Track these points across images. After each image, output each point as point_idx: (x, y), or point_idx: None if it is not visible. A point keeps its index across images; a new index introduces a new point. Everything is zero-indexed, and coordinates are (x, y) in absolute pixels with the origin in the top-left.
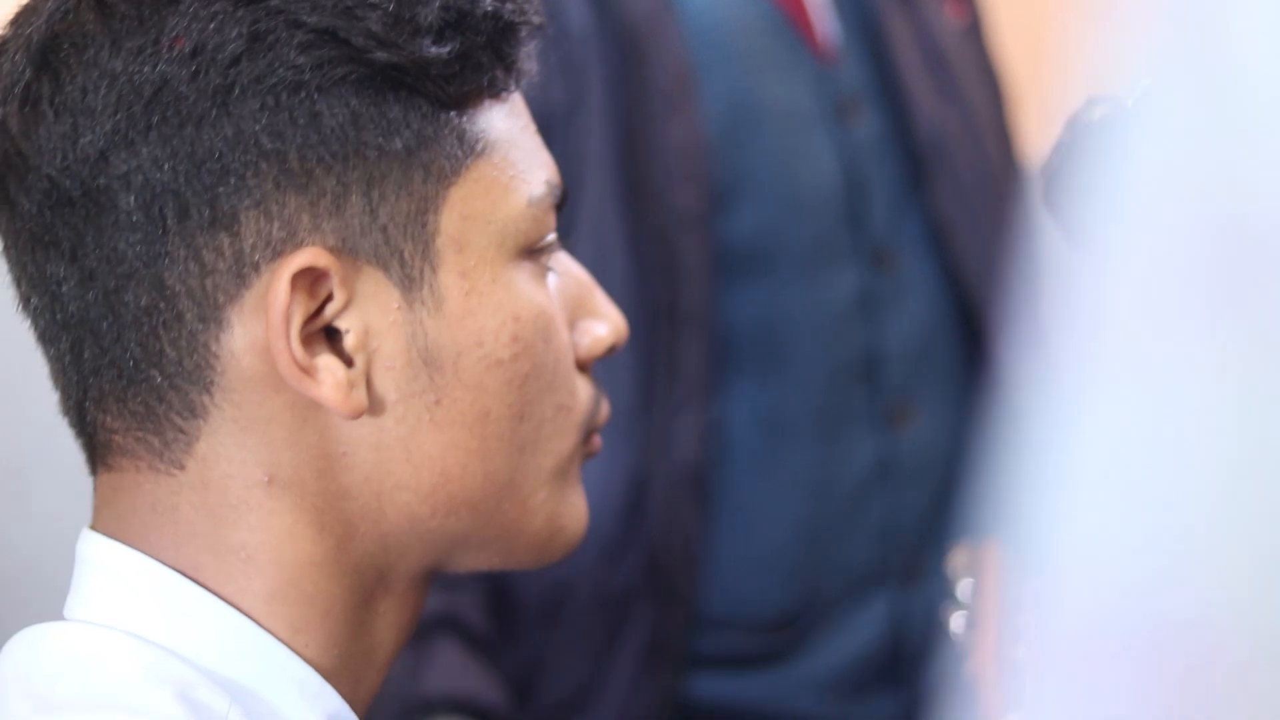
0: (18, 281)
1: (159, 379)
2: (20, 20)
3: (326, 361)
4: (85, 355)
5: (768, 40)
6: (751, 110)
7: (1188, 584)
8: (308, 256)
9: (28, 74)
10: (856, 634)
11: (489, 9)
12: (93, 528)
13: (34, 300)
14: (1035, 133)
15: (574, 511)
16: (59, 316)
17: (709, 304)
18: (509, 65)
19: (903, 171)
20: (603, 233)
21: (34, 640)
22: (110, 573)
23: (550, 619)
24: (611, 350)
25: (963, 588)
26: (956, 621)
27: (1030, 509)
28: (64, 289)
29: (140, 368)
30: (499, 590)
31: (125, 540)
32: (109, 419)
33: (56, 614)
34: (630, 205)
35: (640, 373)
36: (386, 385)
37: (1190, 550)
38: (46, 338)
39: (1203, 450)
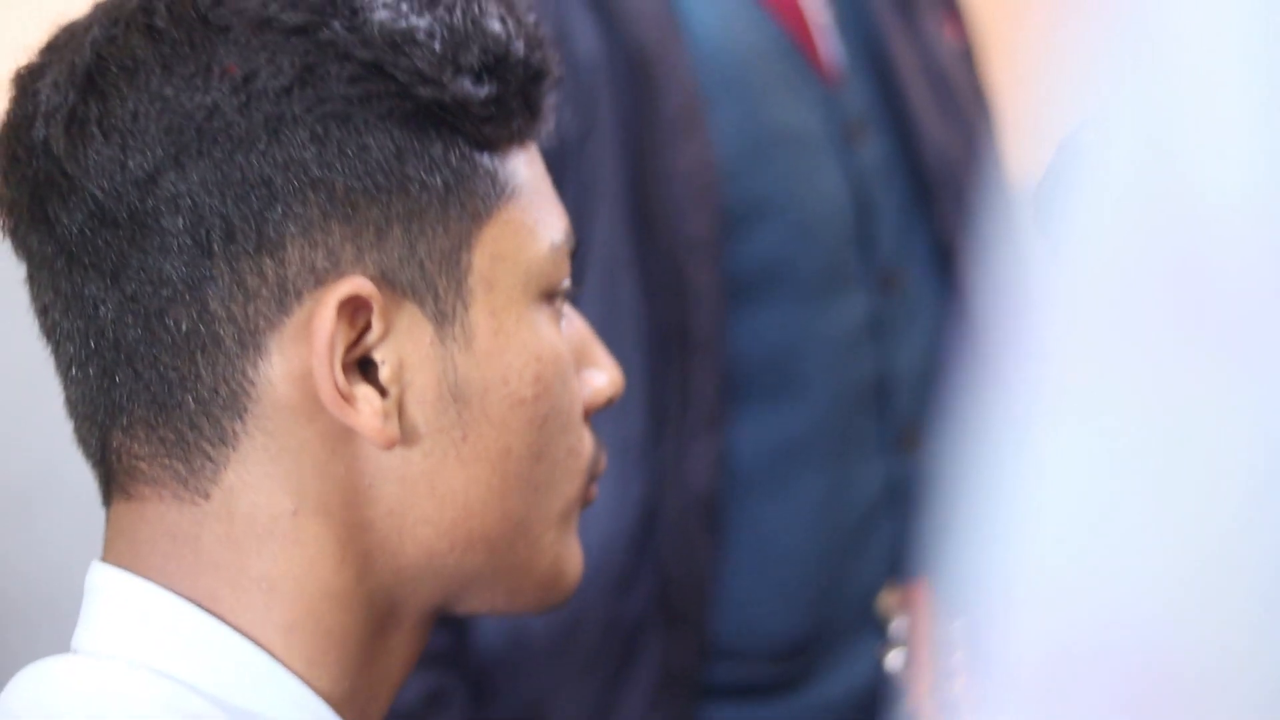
0: (46, 306)
1: (193, 405)
2: (56, 46)
3: (365, 391)
4: (118, 379)
5: (775, 64)
6: (761, 135)
7: (1145, 610)
8: (354, 286)
9: (72, 96)
10: (868, 659)
11: (521, 55)
12: (104, 559)
13: (65, 324)
14: (1020, 155)
15: (575, 556)
16: (93, 340)
17: (720, 331)
18: (535, 112)
19: (909, 193)
20: (613, 261)
21: (44, 673)
22: (122, 604)
23: (561, 649)
24: (609, 403)
25: (896, 627)
26: (893, 659)
27: (989, 539)
28: (101, 311)
29: (174, 393)
30: (505, 638)
31: (139, 571)
32: (136, 445)
33: (63, 640)
34: (641, 232)
35: (651, 401)
36: (417, 418)
37: (1147, 577)
38: (75, 362)
39: (1161, 479)
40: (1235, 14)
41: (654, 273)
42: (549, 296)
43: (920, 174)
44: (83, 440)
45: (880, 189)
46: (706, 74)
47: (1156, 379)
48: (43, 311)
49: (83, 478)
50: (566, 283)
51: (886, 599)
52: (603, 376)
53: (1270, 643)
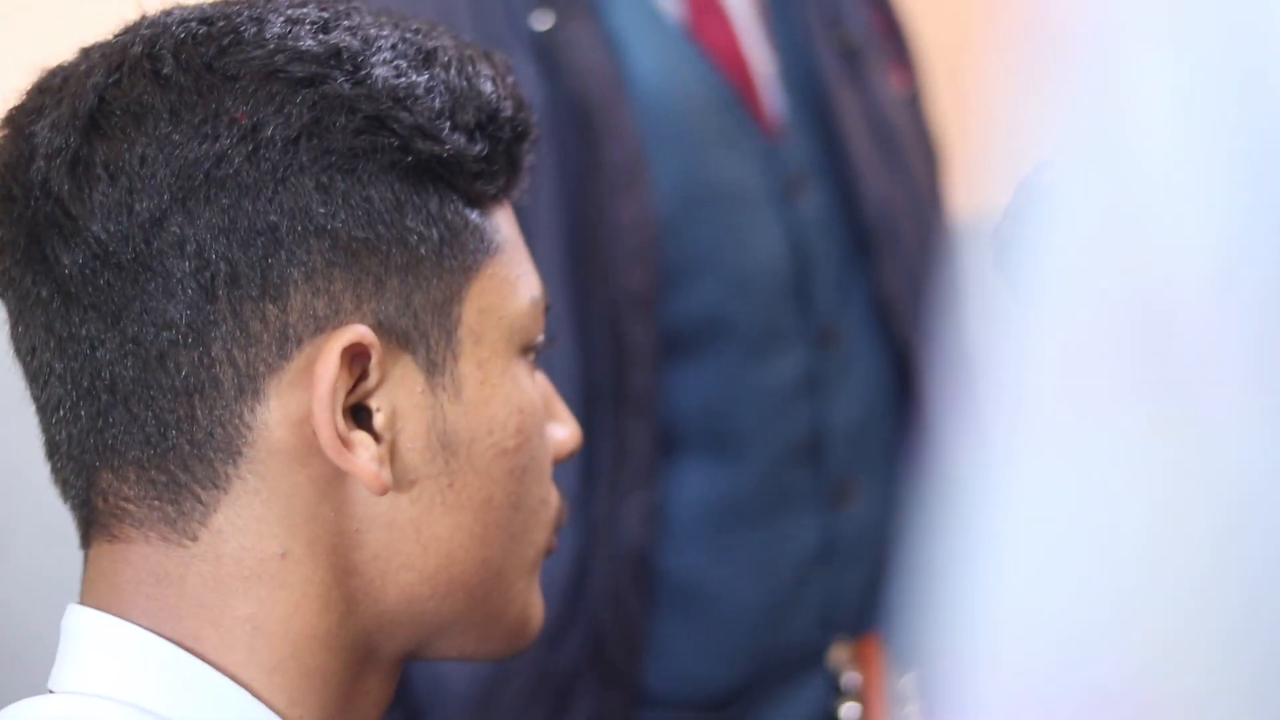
0: (35, 347)
1: (187, 448)
2: (50, 89)
3: (361, 437)
4: (112, 420)
5: (717, 118)
6: (700, 190)
7: (1120, 650)
8: (356, 333)
9: (74, 139)
10: (796, 712)
11: (509, 115)
12: (83, 602)
13: (57, 365)
14: (976, 196)
15: (539, 604)
16: (87, 381)
17: (655, 387)
18: (517, 169)
19: (848, 247)
20: (550, 315)
21: (26, 711)
22: (103, 645)
23: (492, 700)
24: (569, 456)
25: (847, 680)
26: (847, 711)
27: (961, 582)
28: (99, 353)
29: (169, 436)
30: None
31: (120, 613)
32: (126, 487)
33: (41, 670)
34: (579, 286)
35: (585, 456)
36: (407, 465)
37: (1119, 616)
38: (65, 403)
39: (1125, 520)
40: (1191, 56)
41: (590, 327)
42: (527, 350)
43: (860, 227)
44: (64, 482)
45: (819, 243)
46: (648, 127)
47: (1118, 420)
48: (30, 352)
49: (60, 508)
50: (541, 337)
51: (838, 653)
52: (564, 430)
53: (1239, 670)
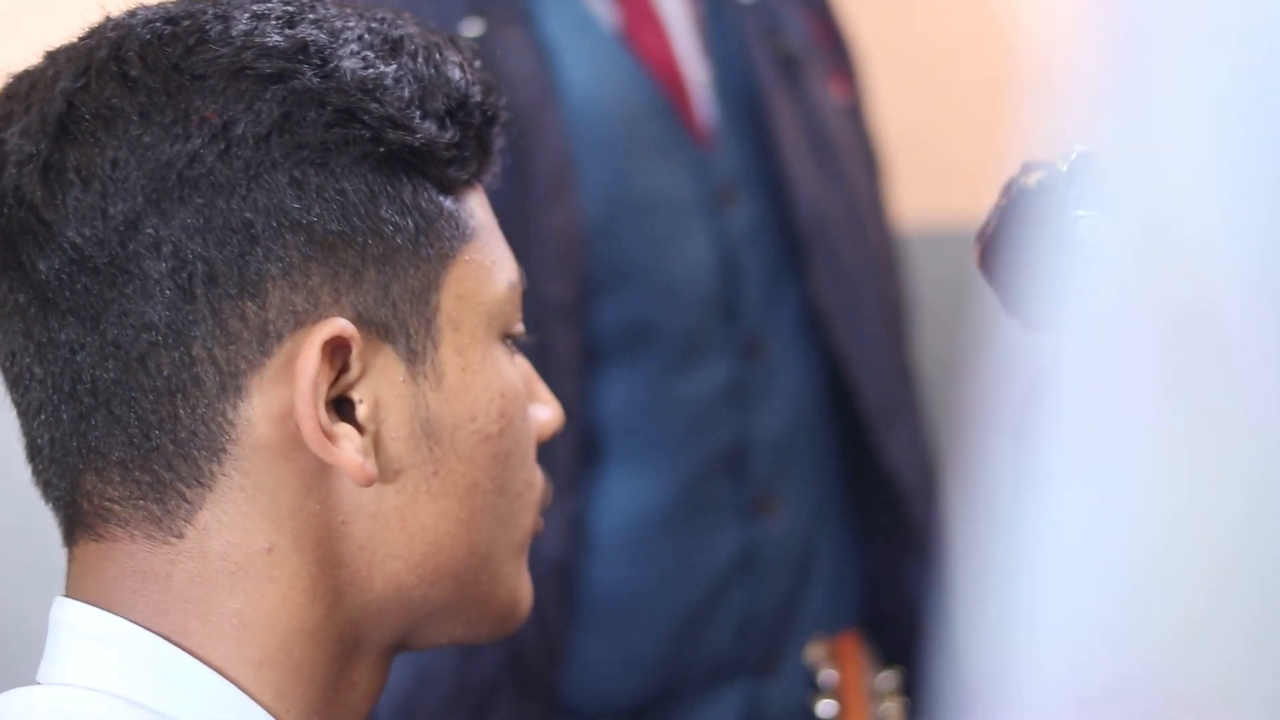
0: (15, 352)
1: (171, 447)
2: (16, 95)
3: (345, 429)
4: (95, 423)
5: (648, 127)
6: (629, 199)
7: (1150, 643)
8: (336, 327)
9: (45, 145)
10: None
11: (478, 100)
12: (70, 596)
13: (37, 369)
14: (969, 199)
15: (528, 586)
16: (68, 384)
17: (579, 397)
18: (488, 154)
19: (779, 258)
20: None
21: (13, 702)
22: (91, 638)
23: (409, 711)
24: (552, 436)
25: (824, 677)
26: (824, 709)
27: (1001, 579)
28: (79, 356)
29: (153, 436)
30: None
31: (107, 608)
32: (110, 489)
33: (31, 661)
34: None
35: None
36: (391, 455)
37: (1151, 611)
38: (46, 407)
39: (1160, 517)
40: (1228, 57)
41: None
42: (506, 334)
43: (792, 237)
44: (46, 483)
45: (748, 254)
46: (578, 136)
47: (1155, 421)
48: (9, 357)
49: (19, 513)
50: (520, 323)
51: (813, 650)
52: (546, 411)
53: (1266, 664)
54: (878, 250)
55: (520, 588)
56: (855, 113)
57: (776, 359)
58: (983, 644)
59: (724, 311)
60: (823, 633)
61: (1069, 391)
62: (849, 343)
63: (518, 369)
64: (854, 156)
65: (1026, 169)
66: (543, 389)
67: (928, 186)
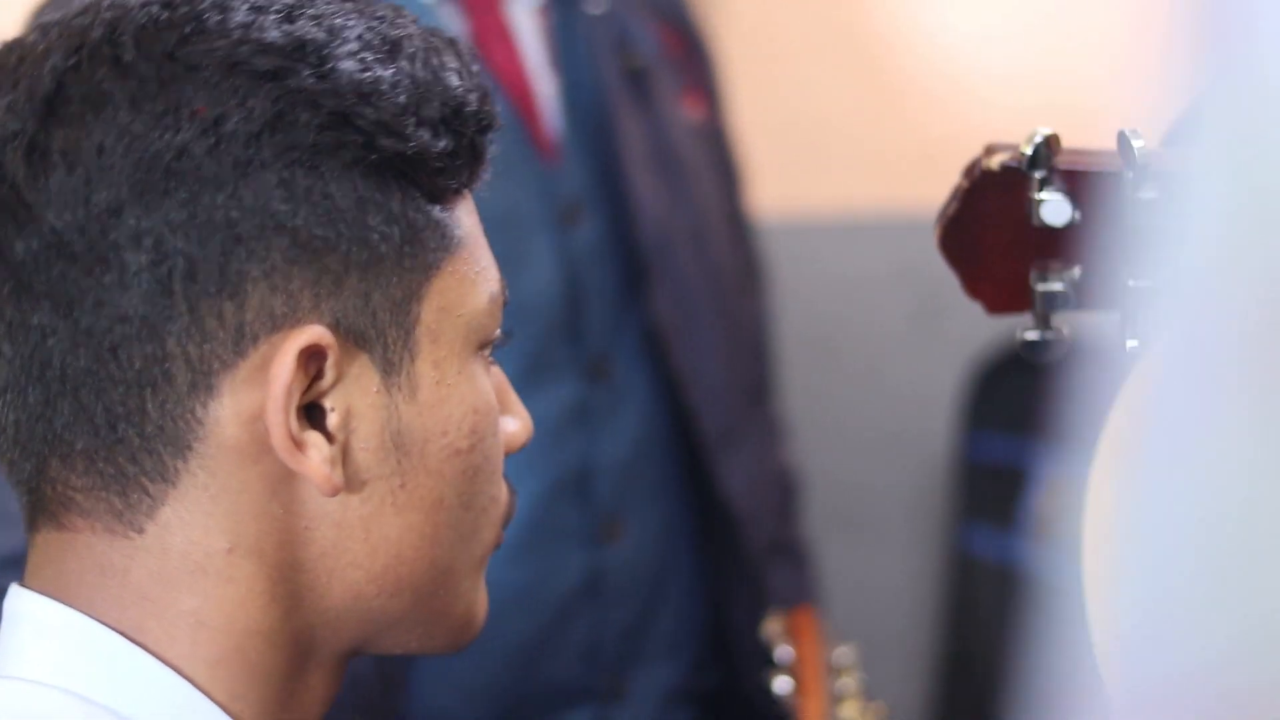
0: None
1: (136, 441)
2: (5, 66)
3: (314, 438)
4: (61, 410)
5: (495, 140)
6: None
7: (1219, 635)
8: (313, 334)
9: (31, 123)
10: None
11: (474, 108)
12: (27, 584)
13: (6, 349)
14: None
15: (484, 601)
16: (36, 368)
17: None
18: (480, 162)
19: (623, 277)
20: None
21: None
22: (47, 630)
23: None
24: (520, 449)
25: (780, 654)
26: (781, 685)
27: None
28: (50, 341)
29: (119, 428)
30: None
31: (65, 600)
32: (74, 477)
33: None
34: None
35: None
36: (359, 466)
37: (1226, 605)
38: (13, 387)
39: (1239, 504)
40: None
41: None
42: (483, 346)
43: (637, 255)
44: (11, 464)
45: (594, 272)
46: None
47: (1245, 414)
48: None
49: None
50: (499, 333)
51: (770, 625)
52: (515, 423)
53: None
54: (726, 270)
55: (477, 602)
56: (710, 129)
57: (621, 381)
58: (1059, 637)
59: (569, 332)
60: (778, 608)
61: (1149, 375)
62: (687, 365)
63: (492, 379)
64: (704, 173)
65: (989, 150)
66: (514, 400)
67: (872, 175)
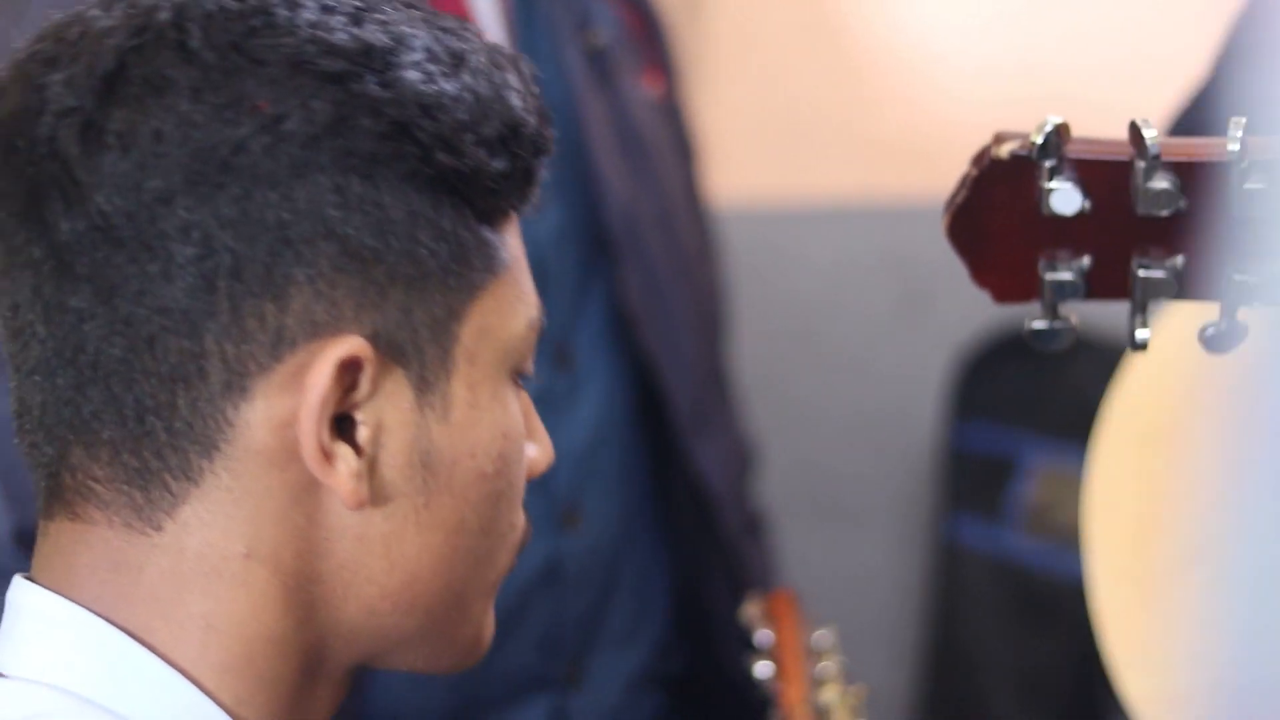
0: (18, 304)
1: (164, 436)
2: (66, 39)
3: (343, 450)
4: (91, 397)
5: None
6: None
7: None
8: (352, 346)
9: (90, 101)
10: None
11: (531, 130)
12: (33, 577)
13: (40, 329)
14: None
15: (491, 624)
16: (69, 351)
17: None
18: (532, 185)
19: (586, 261)
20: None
21: None
22: (52, 626)
23: None
24: (538, 476)
25: (760, 637)
26: (760, 669)
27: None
28: (87, 326)
29: (147, 421)
30: None
31: (73, 595)
32: (97, 467)
33: None
34: None
35: None
36: (385, 481)
37: None
38: (42, 368)
39: None
40: None
41: None
42: (516, 371)
43: (600, 239)
44: (32, 445)
45: (555, 259)
46: None
47: None
48: (13, 308)
49: None
50: (531, 361)
51: (748, 609)
52: (536, 449)
53: None
54: (689, 250)
55: (485, 625)
56: (669, 106)
57: (583, 367)
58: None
59: None
60: (757, 591)
61: (1258, 373)
62: (657, 347)
63: (520, 404)
64: (667, 152)
65: (999, 139)
66: (537, 425)
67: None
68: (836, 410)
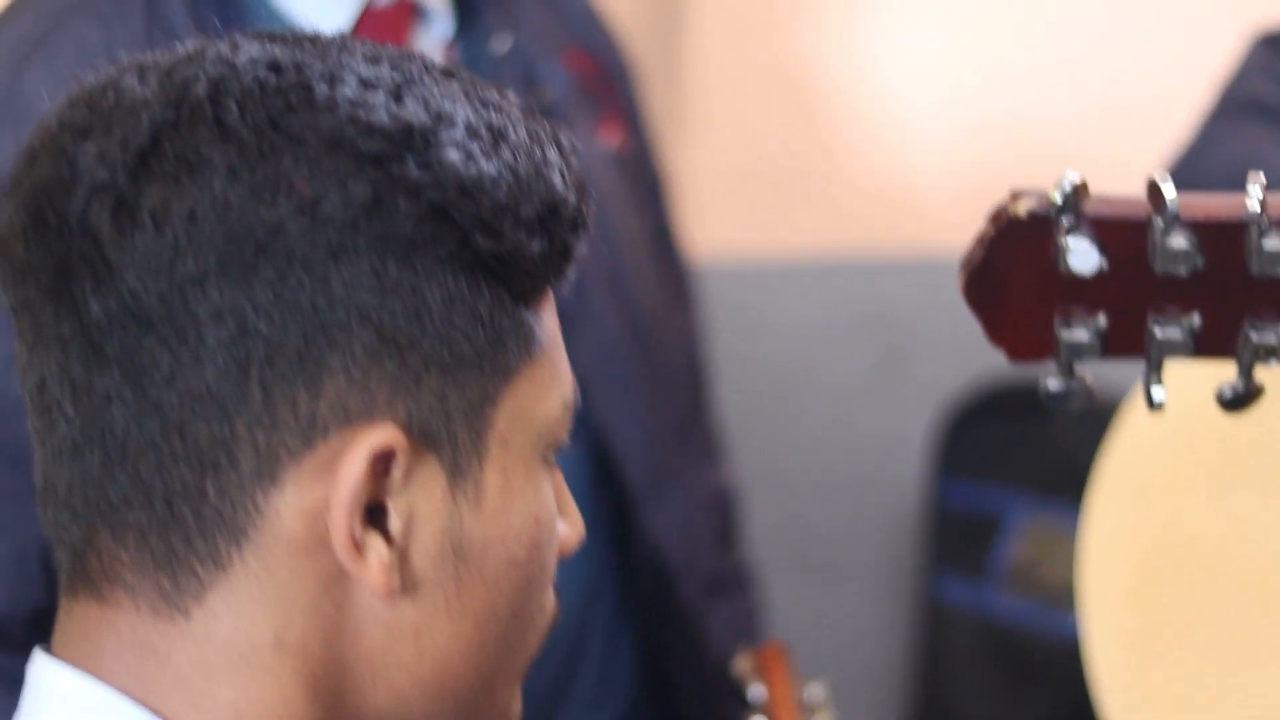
0: (45, 380)
1: (192, 522)
2: (100, 109)
3: (374, 541)
4: (118, 480)
5: None
6: None
7: None
8: (385, 436)
9: (123, 178)
10: None
11: (571, 208)
12: (57, 653)
13: (67, 409)
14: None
15: (518, 706)
16: (97, 433)
17: None
18: (569, 261)
19: None
20: None
21: None
22: (77, 709)
23: None
24: (569, 554)
25: (753, 692)
26: None
27: None
28: (115, 408)
29: (176, 506)
30: None
31: (99, 678)
32: (123, 551)
33: None
34: None
35: None
36: (415, 570)
37: None
38: (69, 448)
39: None
40: None
41: None
42: (550, 451)
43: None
44: (56, 524)
45: None
46: None
47: None
48: (39, 383)
49: None
50: (567, 435)
51: (740, 663)
52: (568, 527)
53: None
54: (648, 305)
55: (512, 708)
56: (632, 154)
57: None
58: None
59: None
60: (748, 645)
61: None
62: (609, 415)
63: (552, 480)
64: (624, 205)
65: (1015, 197)
66: (568, 500)
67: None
68: (820, 468)
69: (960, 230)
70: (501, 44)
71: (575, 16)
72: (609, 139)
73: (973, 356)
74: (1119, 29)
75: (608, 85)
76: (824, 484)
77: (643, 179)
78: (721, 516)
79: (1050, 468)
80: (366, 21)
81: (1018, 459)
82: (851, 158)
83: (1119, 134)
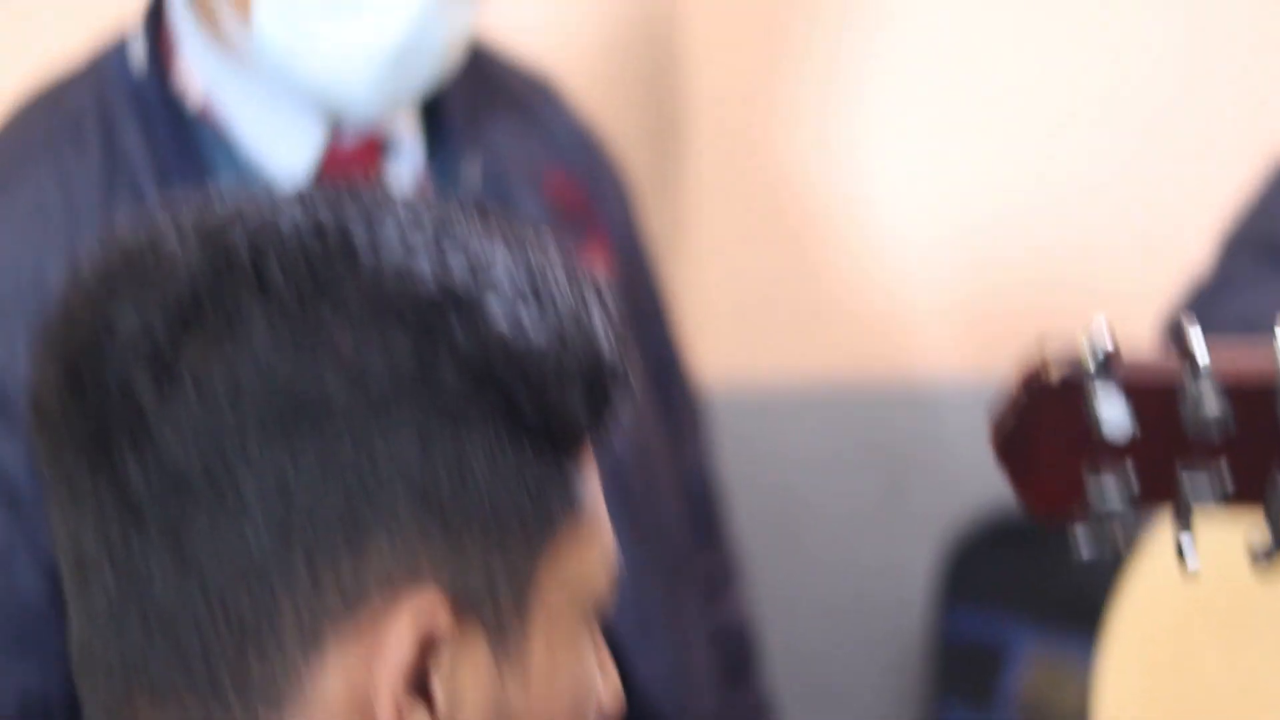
0: (77, 540)
1: (231, 690)
2: (137, 263)
3: (419, 715)
4: (157, 646)
5: None
6: None
7: None
8: (430, 607)
9: (162, 337)
10: None
11: (613, 366)
12: None
13: (106, 575)
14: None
15: None
16: (135, 601)
17: None
18: (609, 412)
19: None
20: None
21: None
22: None
23: None
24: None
25: None
26: None
27: None
28: (154, 575)
29: (216, 674)
30: None
31: None
32: (158, 715)
33: None
34: None
35: None
36: None
37: None
38: (105, 611)
39: None
40: None
41: None
42: (592, 610)
43: None
44: (90, 686)
45: None
46: None
47: None
48: (73, 542)
49: None
50: (609, 594)
51: None
52: (605, 688)
53: None
54: (642, 441)
55: None
56: (622, 282)
57: None
58: None
59: None
60: None
61: None
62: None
63: (593, 641)
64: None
65: (1046, 360)
66: (607, 662)
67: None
68: (823, 599)
69: (964, 357)
70: (472, 167)
71: (561, 135)
72: (592, 260)
73: (977, 485)
74: (1119, 143)
75: (591, 209)
76: (828, 616)
77: (636, 304)
78: (731, 651)
79: (1056, 597)
80: (331, 162)
81: (1023, 588)
82: (852, 285)
83: (1118, 258)
